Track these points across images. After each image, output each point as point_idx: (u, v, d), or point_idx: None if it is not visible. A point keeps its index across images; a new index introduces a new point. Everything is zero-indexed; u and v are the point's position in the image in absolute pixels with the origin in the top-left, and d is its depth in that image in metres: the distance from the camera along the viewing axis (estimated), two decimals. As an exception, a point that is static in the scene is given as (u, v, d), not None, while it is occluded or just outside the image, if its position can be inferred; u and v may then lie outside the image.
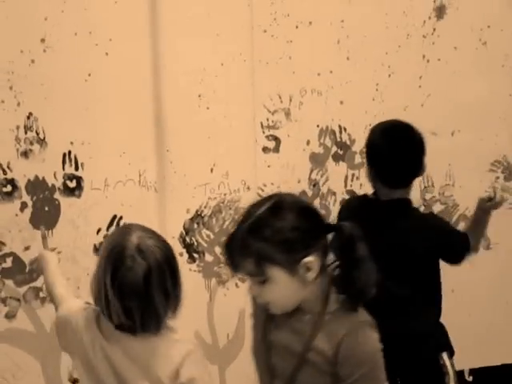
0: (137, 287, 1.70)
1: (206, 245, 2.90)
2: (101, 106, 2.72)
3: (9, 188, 2.63)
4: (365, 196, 2.65)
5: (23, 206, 2.66)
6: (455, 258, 2.56)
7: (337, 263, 1.74)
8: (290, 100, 3.03)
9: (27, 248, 2.67)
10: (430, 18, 3.17)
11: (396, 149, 2.45)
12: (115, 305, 1.71)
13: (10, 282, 2.66)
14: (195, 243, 2.88)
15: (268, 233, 1.66)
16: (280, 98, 3.01)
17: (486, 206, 2.55)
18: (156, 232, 1.80)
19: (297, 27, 2.99)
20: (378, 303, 2.46)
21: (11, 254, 2.65)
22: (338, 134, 3.09)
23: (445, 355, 2.50)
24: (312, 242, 1.69)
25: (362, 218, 2.51)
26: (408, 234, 2.45)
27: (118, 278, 1.70)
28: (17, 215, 2.65)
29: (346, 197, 2.61)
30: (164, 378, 1.72)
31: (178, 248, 2.85)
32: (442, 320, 2.55)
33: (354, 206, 2.61)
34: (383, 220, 2.47)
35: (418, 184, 3.21)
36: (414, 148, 2.46)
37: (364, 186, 2.87)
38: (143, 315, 1.72)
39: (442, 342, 2.52)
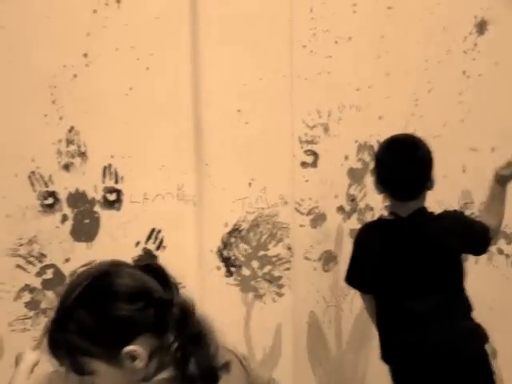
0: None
1: (243, 259, 2.90)
2: (141, 119, 2.74)
3: (50, 200, 2.66)
4: (380, 220, 2.65)
5: (64, 218, 2.68)
6: (480, 247, 2.61)
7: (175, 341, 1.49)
8: (329, 115, 3.03)
9: (67, 260, 2.69)
10: (470, 33, 3.15)
11: (400, 163, 2.46)
12: None
13: (50, 294, 2.68)
14: (232, 257, 2.89)
15: (74, 325, 1.45)
16: (319, 113, 3.02)
17: (502, 178, 2.61)
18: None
19: (336, 42, 3.00)
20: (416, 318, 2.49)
21: (52, 265, 2.68)
22: (376, 150, 3.08)
23: (488, 346, 2.50)
24: (133, 328, 1.45)
25: (387, 242, 2.55)
26: (434, 237, 2.47)
27: None
28: (57, 227, 2.67)
29: (385, 213, 2.60)
30: None
31: (215, 262, 2.86)
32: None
33: (373, 232, 2.62)
34: (409, 236, 2.49)
35: (457, 200, 3.19)
36: (419, 162, 2.47)
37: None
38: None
39: (483, 333, 2.53)
